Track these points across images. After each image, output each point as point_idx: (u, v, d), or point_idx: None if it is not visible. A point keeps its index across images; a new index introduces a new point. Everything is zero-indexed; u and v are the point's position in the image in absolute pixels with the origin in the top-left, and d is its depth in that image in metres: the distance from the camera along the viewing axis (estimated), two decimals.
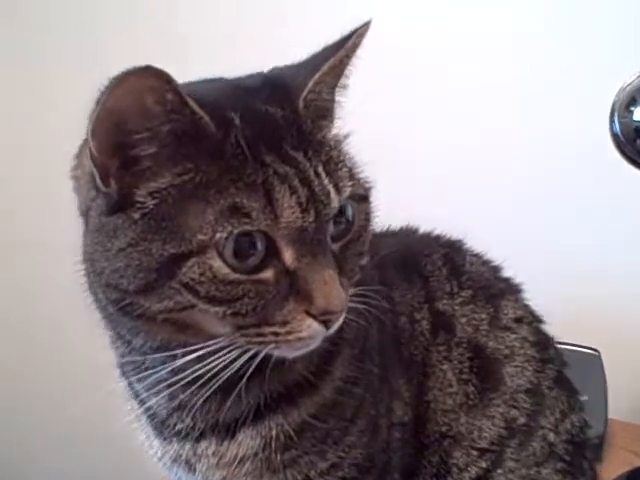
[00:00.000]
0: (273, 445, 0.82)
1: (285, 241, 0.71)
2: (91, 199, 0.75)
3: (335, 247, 0.77)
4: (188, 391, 0.79)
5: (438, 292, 1.00)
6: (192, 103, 0.69)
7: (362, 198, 0.81)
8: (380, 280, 0.95)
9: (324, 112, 0.81)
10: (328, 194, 0.73)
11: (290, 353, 0.76)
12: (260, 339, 0.72)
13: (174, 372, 0.76)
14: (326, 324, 0.73)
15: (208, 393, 0.77)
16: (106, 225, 0.72)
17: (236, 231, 0.69)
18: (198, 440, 0.84)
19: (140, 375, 0.82)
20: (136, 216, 0.71)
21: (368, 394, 0.88)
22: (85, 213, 0.76)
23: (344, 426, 0.86)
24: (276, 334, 0.72)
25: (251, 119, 0.73)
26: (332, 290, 0.72)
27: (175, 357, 0.75)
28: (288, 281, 0.72)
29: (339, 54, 0.79)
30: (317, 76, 0.78)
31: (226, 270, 0.69)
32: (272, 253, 0.71)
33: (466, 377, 0.96)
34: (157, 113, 0.68)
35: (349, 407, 0.86)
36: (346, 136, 0.83)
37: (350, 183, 0.77)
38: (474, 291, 1.02)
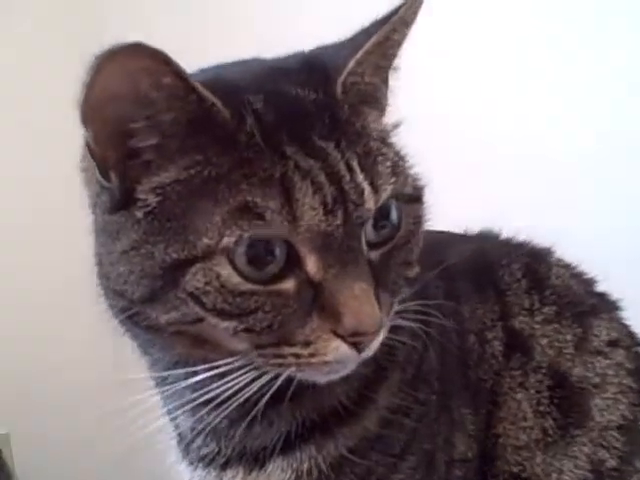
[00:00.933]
0: None
1: (308, 248, 0.61)
2: (97, 194, 0.68)
3: (374, 255, 0.66)
4: (206, 410, 0.70)
5: (515, 308, 0.87)
6: (200, 88, 0.61)
7: (412, 198, 0.70)
8: (446, 293, 0.83)
9: (367, 98, 0.70)
10: (362, 193, 0.63)
11: (318, 378, 0.67)
12: (279, 361, 0.63)
13: (194, 389, 0.68)
14: (357, 347, 0.63)
15: (224, 415, 0.68)
16: (109, 225, 0.66)
17: (246, 235, 0.60)
18: (224, 467, 0.76)
19: (164, 388, 0.74)
20: (139, 215, 0.63)
21: (423, 425, 0.77)
22: (93, 210, 0.70)
23: (391, 462, 0.75)
24: (297, 356, 0.63)
25: (277, 104, 0.64)
26: (363, 306, 0.61)
27: (196, 373, 0.67)
28: (312, 294, 0.62)
29: (384, 30, 0.68)
30: (358, 56, 0.68)
31: (237, 279, 0.61)
32: (293, 261, 0.62)
33: (544, 409, 0.82)
34: (155, 99, 0.60)
35: (397, 441, 0.75)
36: (396, 125, 0.71)
37: (392, 180, 0.66)
38: (559, 307, 0.87)
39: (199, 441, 0.76)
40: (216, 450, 0.75)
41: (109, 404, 0.75)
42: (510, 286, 0.88)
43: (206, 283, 0.60)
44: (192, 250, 0.60)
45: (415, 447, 0.76)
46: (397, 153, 0.69)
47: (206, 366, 0.65)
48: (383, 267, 0.66)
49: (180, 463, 0.81)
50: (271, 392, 0.65)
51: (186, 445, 0.79)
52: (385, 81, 0.74)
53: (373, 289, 0.63)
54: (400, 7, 0.69)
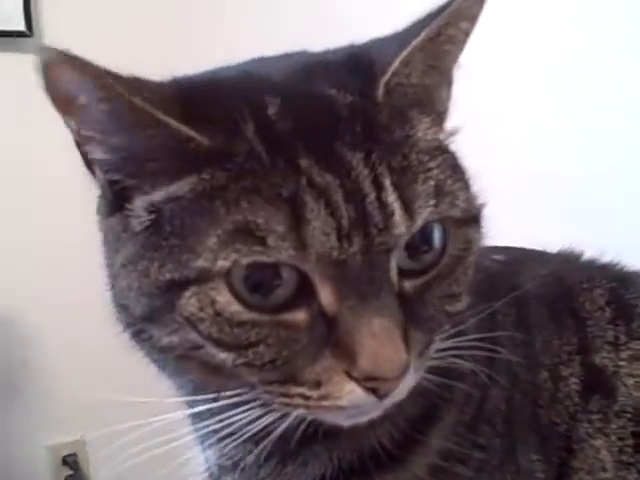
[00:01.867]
0: None
1: (321, 276, 0.53)
2: (99, 196, 0.64)
3: (409, 285, 0.57)
4: (224, 445, 0.63)
5: (597, 341, 0.76)
6: (164, 118, 0.54)
7: (463, 220, 0.60)
8: (517, 322, 0.74)
9: (417, 101, 0.61)
10: (391, 215, 0.54)
11: (338, 421, 0.59)
12: (286, 400, 0.56)
13: (210, 420, 0.61)
14: (376, 392, 0.54)
15: (234, 451, 0.64)
16: (110, 232, 0.61)
17: (244, 261, 0.52)
18: None
19: (189, 413, 0.68)
20: (136, 228, 0.58)
21: (483, 474, 0.67)
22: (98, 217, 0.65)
23: None
24: (306, 397, 0.55)
25: (299, 108, 0.56)
26: (383, 347, 0.53)
27: (213, 402, 0.60)
28: (325, 327, 0.54)
29: (435, 24, 0.59)
30: (404, 54, 0.59)
31: (236, 307, 0.53)
32: (305, 288, 0.54)
33: (627, 459, 0.71)
34: (100, 120, 0.55)
35: None
36: (452, 133, 0.62)
37: (433, 202, 0.56)
38: None
39: (228, 479, 0.70)
40: None
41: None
42: (591, 315, 0.77)
43: (201, 309, 0.54)
44: (185, 271, 0.54)
45: None
46: (450, 168, 0.59)
47: (215, 395, 0.59)
48: (419, 300, 0.57)
49: None
50: (280, 431, 0.58)
51: None
52: (446, 83, 0.65)
53: (401, 326, 0.54)
54: None
